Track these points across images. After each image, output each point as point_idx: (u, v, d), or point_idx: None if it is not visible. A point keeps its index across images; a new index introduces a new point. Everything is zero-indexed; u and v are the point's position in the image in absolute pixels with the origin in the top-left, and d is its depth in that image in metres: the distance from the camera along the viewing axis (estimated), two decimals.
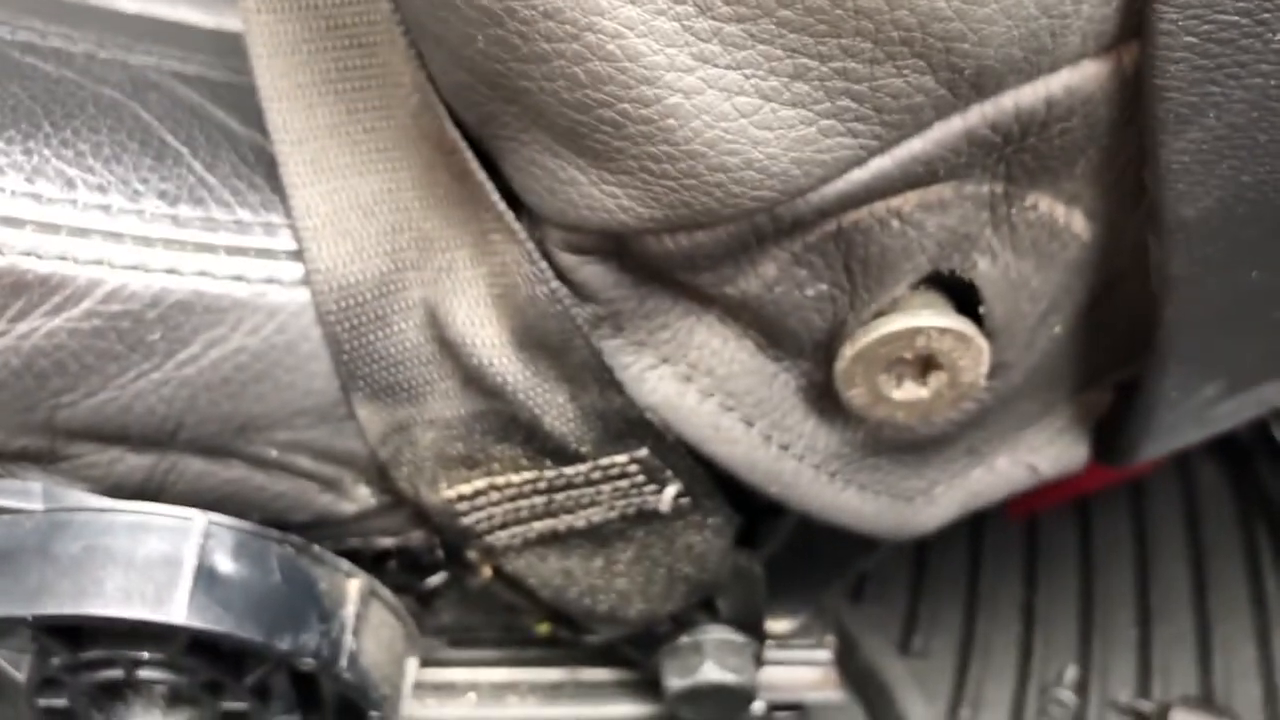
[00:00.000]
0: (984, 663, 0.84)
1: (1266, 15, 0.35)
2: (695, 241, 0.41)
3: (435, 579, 0.62)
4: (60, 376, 0.47)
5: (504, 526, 0.54)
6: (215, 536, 0.50)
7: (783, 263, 0.44)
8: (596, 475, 0.51)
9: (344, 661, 0.52)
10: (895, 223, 0.42)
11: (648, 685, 0.69)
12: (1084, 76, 0.38)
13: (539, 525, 0.54)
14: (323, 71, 0.48)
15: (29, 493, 0.50)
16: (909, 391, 0.48)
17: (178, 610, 0.48)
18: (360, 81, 0.48)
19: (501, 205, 0.44)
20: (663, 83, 0.36)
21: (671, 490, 0.52)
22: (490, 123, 0.41)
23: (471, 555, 0.56)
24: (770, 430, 0.50)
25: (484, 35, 0.37)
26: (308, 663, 0.51)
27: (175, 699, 0.58)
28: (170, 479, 0.51)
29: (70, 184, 0.46)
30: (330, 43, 0.48)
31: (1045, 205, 0.44)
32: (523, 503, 0.53)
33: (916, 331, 0.45)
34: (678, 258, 0.42)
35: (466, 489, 0.52)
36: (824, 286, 0.45)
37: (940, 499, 0.57)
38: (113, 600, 0.48)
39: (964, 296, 0.46)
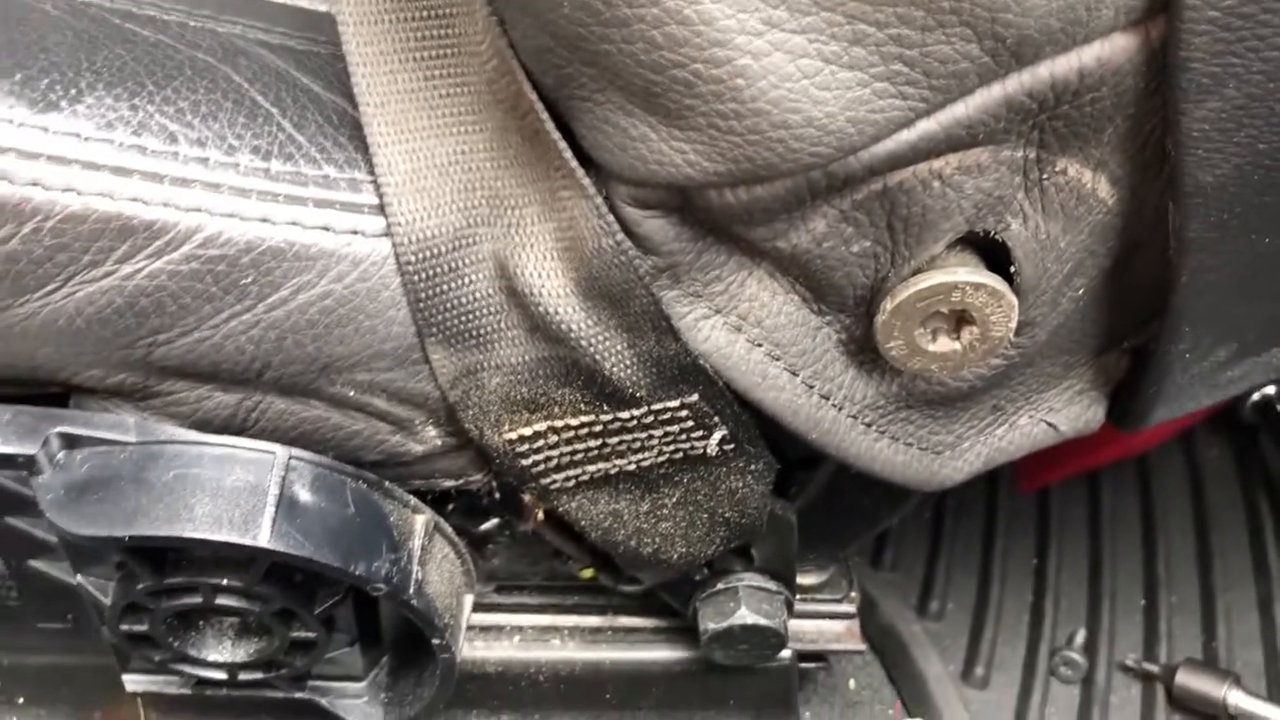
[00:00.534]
0: (997, 625, 0.87)
1: None
2: (754, 195, 0.45)
3: (489, 524, 0.66)
4: (159, 315, 0.50)
5: (559, 469, 0.57)
6: (296, 470, 0.54)
7: (831, 219, 0.47)
8: (649, 419, 0.55)
9: (412, 589, 0.56)
10: (936, 184, 0.46)
11: (683, 632, 0.73)
12: (1114, 49, 0.42)
13: (592, 468, 0.58)
14: (403, 40, 0.52)
15: (123, 425, 0.53)
16: (943, 345, 0.51)
17: (263, 534, 0.52)
18: (438, 50, 0.52)
19: (573, 162, 0.48)
20: (733, 45, 0.40)
21: (718, 435, 0.55)
22: (567, 84, 0.45)
23: (526, 498, 0.60)
24: (813, 380, 0.54)
25: (569, 1, 0.41)
26: (379, 588, 0.54)
27: (244, 631, 0.62)
28: (254, 417, 0.55)
29: (173, 138, 0.50)
30: (410, 14, 0.52)
31: (1074, 170, 0.47)
32: (579, 445, 0.56)
33: (953, 286, 0.49)
34: (736, 211, 0.46)
35: (527, 431, 0.56)
36: (868, 243, 0.48)
37: (966, 454, 0.60)
38: (203, 524, 0.52)
39: (995, 259, 0.50)
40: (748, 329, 0.52)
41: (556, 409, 0.55)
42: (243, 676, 0.62)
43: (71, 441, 0.53)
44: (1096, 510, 0.95)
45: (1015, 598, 0.89)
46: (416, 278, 0.52)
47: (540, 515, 0.61)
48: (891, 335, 0.51)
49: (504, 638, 0.73)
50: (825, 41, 0.40)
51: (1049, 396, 0.60)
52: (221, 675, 0.62)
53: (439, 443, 0.57)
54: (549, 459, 0.57)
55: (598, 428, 0.55)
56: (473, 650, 0.72)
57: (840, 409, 0.55)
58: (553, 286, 0.51)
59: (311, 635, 0.59)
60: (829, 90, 0.41)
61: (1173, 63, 0.41)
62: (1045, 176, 0.47)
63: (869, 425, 0.57)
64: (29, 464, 0.52)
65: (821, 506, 0.67)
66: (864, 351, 0.54)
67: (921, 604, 0.89)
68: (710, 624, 0.67)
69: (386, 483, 0.57)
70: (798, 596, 0.72)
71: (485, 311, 0.53)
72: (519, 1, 0.45)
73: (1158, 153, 0.46)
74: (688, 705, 0.75)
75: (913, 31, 0.40)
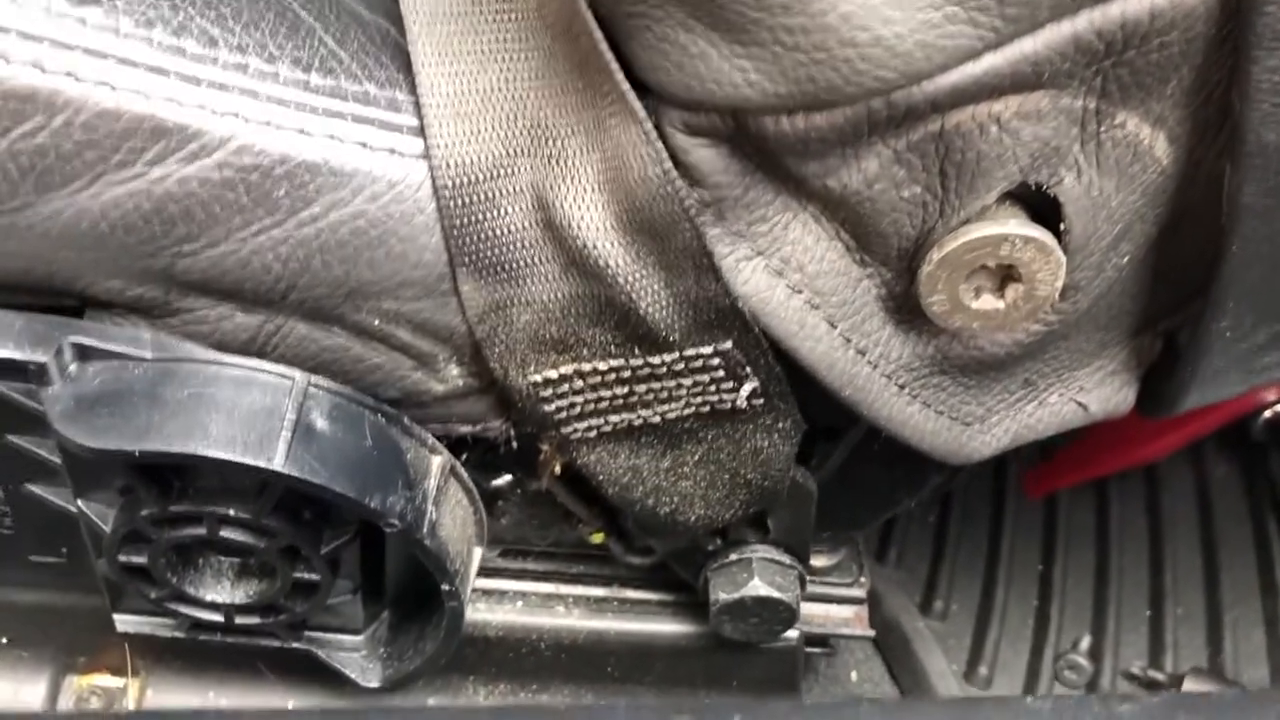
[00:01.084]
0: (1001, 627, 0.86)
1: None
2: (811, 124, 0.44)
3: (501, 480, 0.65)
4: (186, 224, 0.49)
5: (582, 417, 0.56)
6: (314, 397, 0.52)
7: (885, 159, 0.46)
8: (679, 367, 0.53)
9: (425, 529, 0.54)
10: (994, 129, 0.45)
11: (689, 607, 0.72)
12: None
13: (615, 418, 0.56)
14: None
15: (139, 340, 0.52)
16: (986, 303, 0.50)
17: (278, 458, 0.50)
18: None
19: (624, 84, 0.47)
20: None
21: (749, 387, 0.54)
22: None
23: (544, 449, 0.58)
24: (850, 333, 0.53)
25: None
26: (393, 524, 0.53)
27: (244, 572, 0.60)
28: (274, 342, 0.53)
29: (213, 42, 0.49)
30: None
31: (1133, 125, 0.47)
32: (604, 393, 0.55)
33: (1002, 239, 0.48)
34: (791, 140, 0.45)
35: (553, 374, 0.54)
36: (918, 189, 0.47)
37: (994, 428, 0.59)
38: (216, 442, 0.50)
39: (1044, 218, 0.49)
40: (789, 274, 0.51)
41: (585, 351, 0.53)
42: (239, 620, 0.60)
43: (85, 353, 0.51)
44: (1104, 520, 0.94)
45: (1020, 601, 0.88)
46: (452, 204, 0.50)
47: (556, 469, 0.60)
48: (935, 289, 0.50)
49: (506, 602, 0.71)
50: None
51: (1081, 375, 0.60)
52: (218, 617, 0.60)
53: (460, 383, 0.56)
54: (573, 405, 0.55)
55: (626, 373, 0.54)
56: (474, 613, 0.70)
57: (875, 366, 0.54)
58: (592, 219, 0.50)
59: (315, 577, 0.58)
60: (900, 9, 0.40)
61: (1248, 4, 0.41)
62: (1103, 129, 0.46)
63: (902, 387, 0.55)
64: (40, 373, 0.51)
65: (840, 481, 0.66)
66: (903, 309, 0.53)
67: (925, 602, 0.88)
68: (721, 594, 0.66)
69: (405, 418, 0.55)
70: (807, 578, 0.71)
71: (520, 244, 0.51)
72: None
73: (1219, 111, 0.46)
74: (690, 682, 0.73)
75: None
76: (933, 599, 0.88)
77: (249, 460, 0.50)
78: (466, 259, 0.51)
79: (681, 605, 0.72)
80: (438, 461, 0.56)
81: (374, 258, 0.51)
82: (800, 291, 0.51)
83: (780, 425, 0.57)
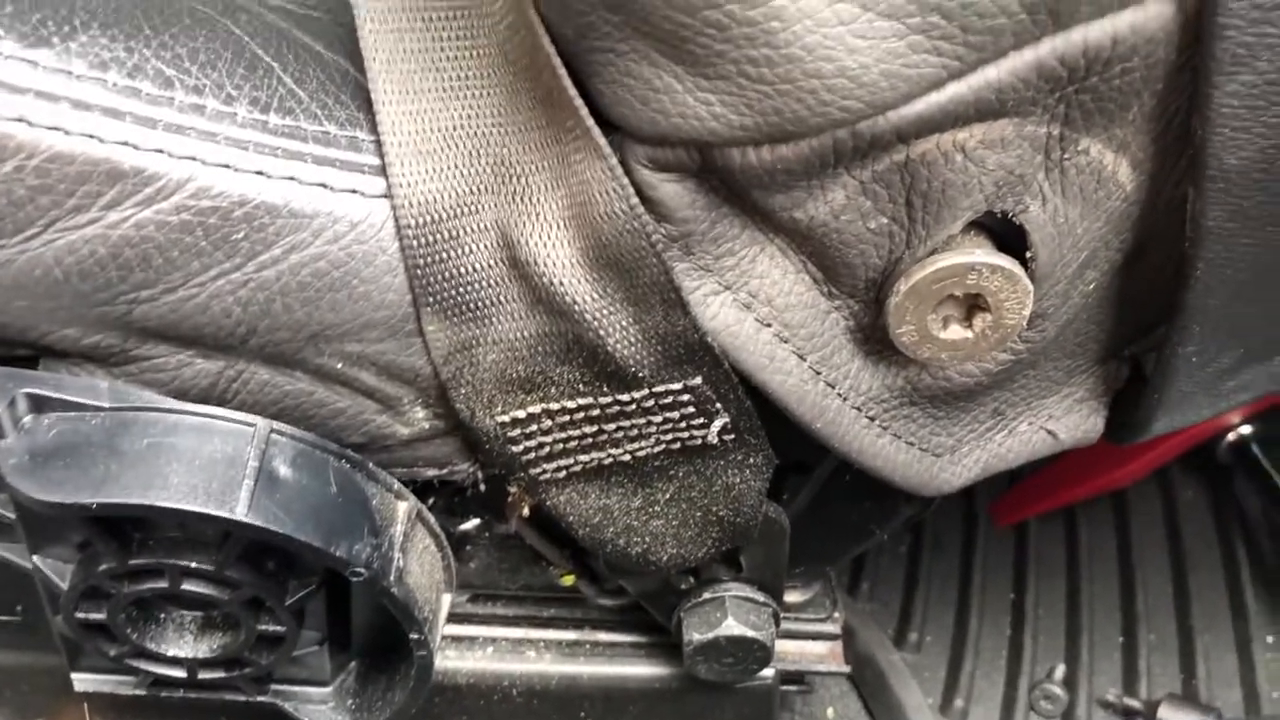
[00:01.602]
0: (975, 658, 0.86)
1: None
2: (777, 155, 0.44)
3: (469, 524, 0.63)
4: (143, 269, 0.48)
5: (551, 458, 0.55)
6: (277, 444, 0.51)
7: (851, 190, 0.46)
8: (649, 404, 0.53)
9: (393, 576, 0.53)
10: (959, 157, 0.45)
11: (662, 649, 0.70)
12: (1148, 15, 0.41)
13: (585, 458, 0.55)
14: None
15: (95, 389, 0.51)
16: (954, 332, 0.50)
17: (240, 507, 0.49)
18: (448, 10, 0.50)
19: (589, 120, 0.46)
20: None
21: (719, 423, 0.54)
22: (589, 34, 0.44)
23: (512, 491, 0.58)
24: (820, 366, 0.52)
25: None
26: (359, 573, 0.52)
27: (206, 626, 0.59)
28: (234, 388, 0.52)
29: (169, 83, 0.48)
30: None
31: (1096, 151, 0.47)
32: (573, 432, 0.54)
33: (969, 268, 0.48)
34: (758, 172, 0.45)
35: (521, 414, 0.53)
36: (885, 220, 0.47)
37: (965, 458, 0.59)
38: (176, 493, 0.49)
39: (1010, 248, 0.49)
40: (757, 307, 0.50)
41: (553, 389, 0.53)
42: (203, 675, 0.58)
43: (39, 404, 0.50)
44: (1074, 548, 0.94)
45: (994, 632, 0.88)
46: (415, 244, 0.50)
47: (525, 512, 0.59)
48: (904, 319, 0.50)
49: (476, 649, 0.70)
50: None
51: (1049, 403, 0.60)
52: (180, 673, 0.58)
53: (426, 426, 0.55)
54: (541, 445, 0.55)
55: (595, 411, 0.53)
56: (443, 661, 0.69)
57: (845, 399, 0.54)
58: (558, 256, 0.49)
59: (280, 629, 0.56)
60: (864, 39, 0.40)
61: (1208, 30, 0.41)
62: (1067, 156, 0.47)
63: (872, 419, 0.55)
64: None
65: (811, 515, 0.65)
66: (872, 341, 0.53)
67: (899, 635, 0.87)
68: (695, 635, 0.65)
69: (370, 464, 0.54)
70: (781, 615, 0.70)
71: (485, 283, 0.51)
72: None
73: (1180, 136, 0.46)
74: None
75: None
76: (907, 631, 0.87)
77: (210, 510, 0.49)
78: (431, 299, 0.51)
79: (655, 647, 0.71)
80: (404, 507, 0.55)
81: (336, 299, 0.50)
82: (769, 325, 0.51)
83: (751, 461, 0.56)
